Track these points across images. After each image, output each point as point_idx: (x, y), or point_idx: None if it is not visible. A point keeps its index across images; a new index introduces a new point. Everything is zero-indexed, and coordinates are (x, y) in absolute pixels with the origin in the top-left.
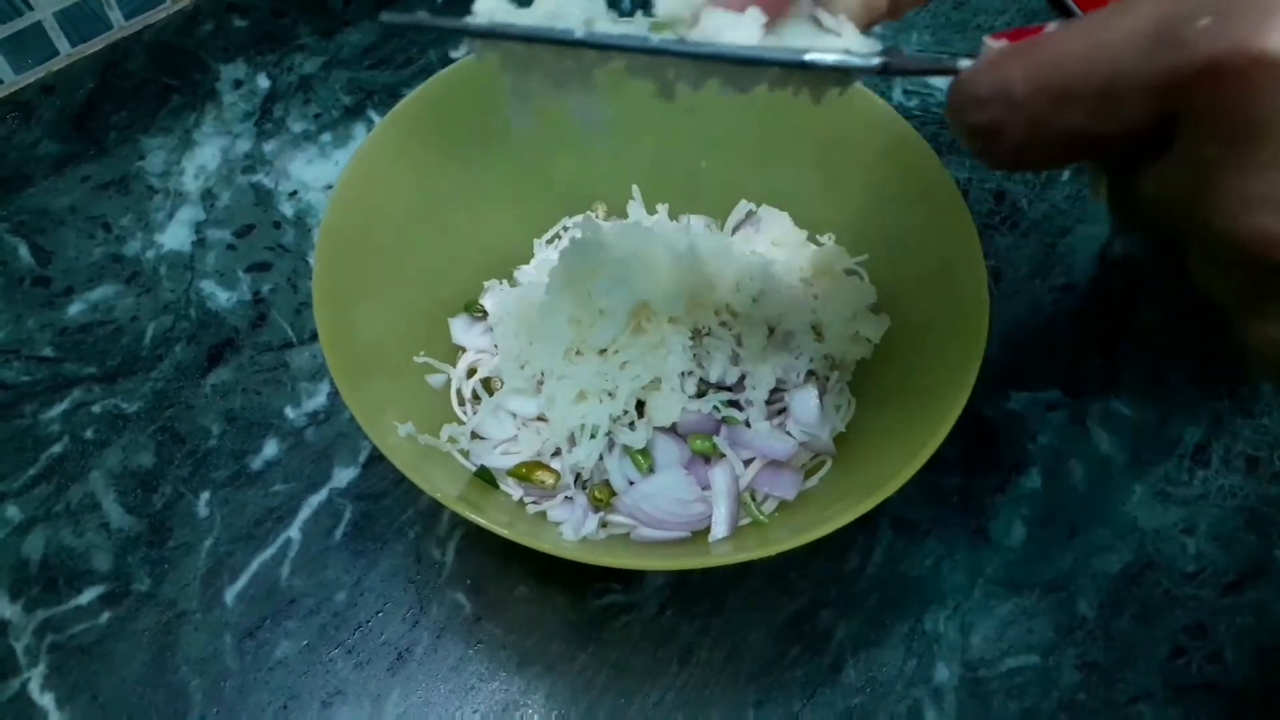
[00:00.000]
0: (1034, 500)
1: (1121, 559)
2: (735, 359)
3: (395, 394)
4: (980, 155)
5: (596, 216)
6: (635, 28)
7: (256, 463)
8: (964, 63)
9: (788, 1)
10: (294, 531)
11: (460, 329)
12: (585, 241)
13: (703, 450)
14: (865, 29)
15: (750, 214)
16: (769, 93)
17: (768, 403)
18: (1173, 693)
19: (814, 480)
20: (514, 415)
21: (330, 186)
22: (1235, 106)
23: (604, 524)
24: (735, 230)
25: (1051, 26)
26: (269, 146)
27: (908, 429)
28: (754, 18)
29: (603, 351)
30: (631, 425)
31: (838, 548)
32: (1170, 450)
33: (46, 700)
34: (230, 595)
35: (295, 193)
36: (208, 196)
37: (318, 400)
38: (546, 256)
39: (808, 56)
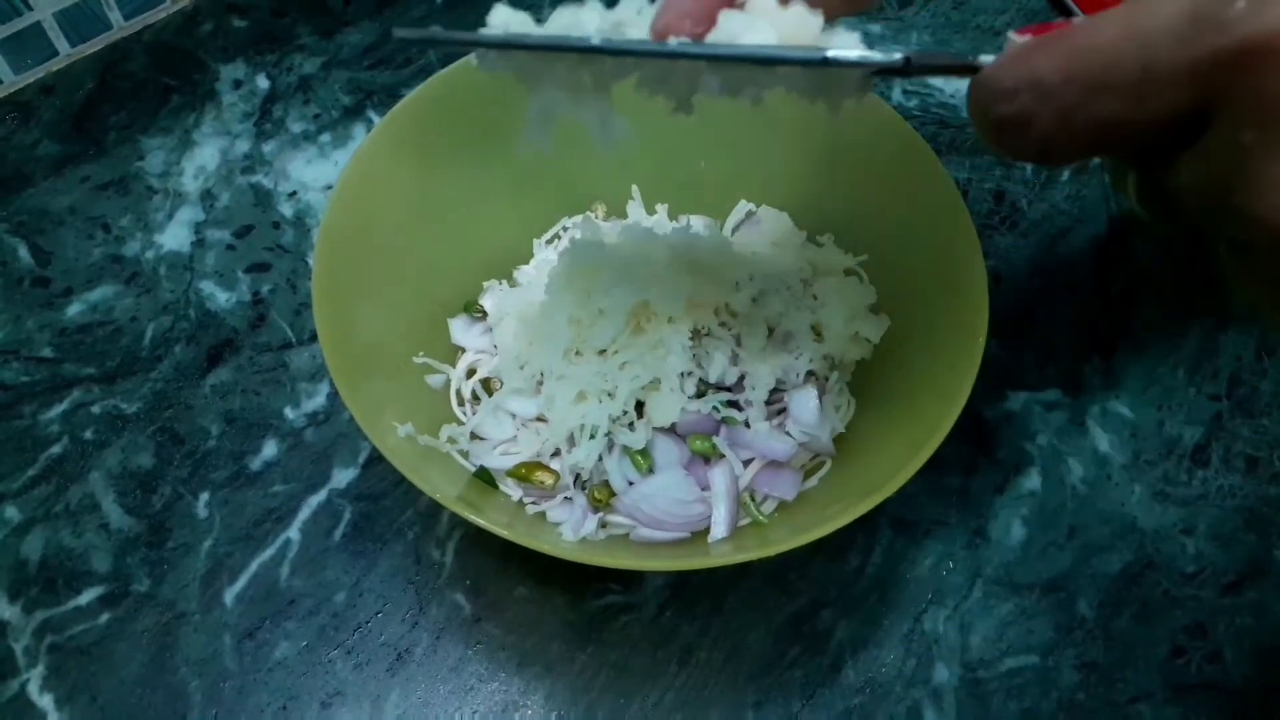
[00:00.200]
0: (1033, 500)
1: (1121, 559)
2: (735, 359)
3: (394, 394)
4: (1005, 150)
5: (596, 216)
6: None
7: (256, 463)
8: (986, 59)
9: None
10: (293, 532)
11: (460, 329)
12: (585, 242)
13: (702, 451)
14: (830, 20)
15: (750, 214)
16: (787, 101)
17: (767, 403)
18: (1172, 693)
19: (813, 481)
20: (513, 416)
21: (330, 187)
22: (1273, 89)
23: (603, 524)
24: (735, 230)
25: (1077, 22)
26: (268, 147)
27: (907, 429)
28: (768, 19)
29: (602, 352)
30: (631, 426)
31: (837, 548)
32: (1170, 450)
33: (45, 701)
34: (229, 596)
35: (295, 193)
36: (207, 197)
37: (317, 401)
38: (546, 257)
39: (830, 53)
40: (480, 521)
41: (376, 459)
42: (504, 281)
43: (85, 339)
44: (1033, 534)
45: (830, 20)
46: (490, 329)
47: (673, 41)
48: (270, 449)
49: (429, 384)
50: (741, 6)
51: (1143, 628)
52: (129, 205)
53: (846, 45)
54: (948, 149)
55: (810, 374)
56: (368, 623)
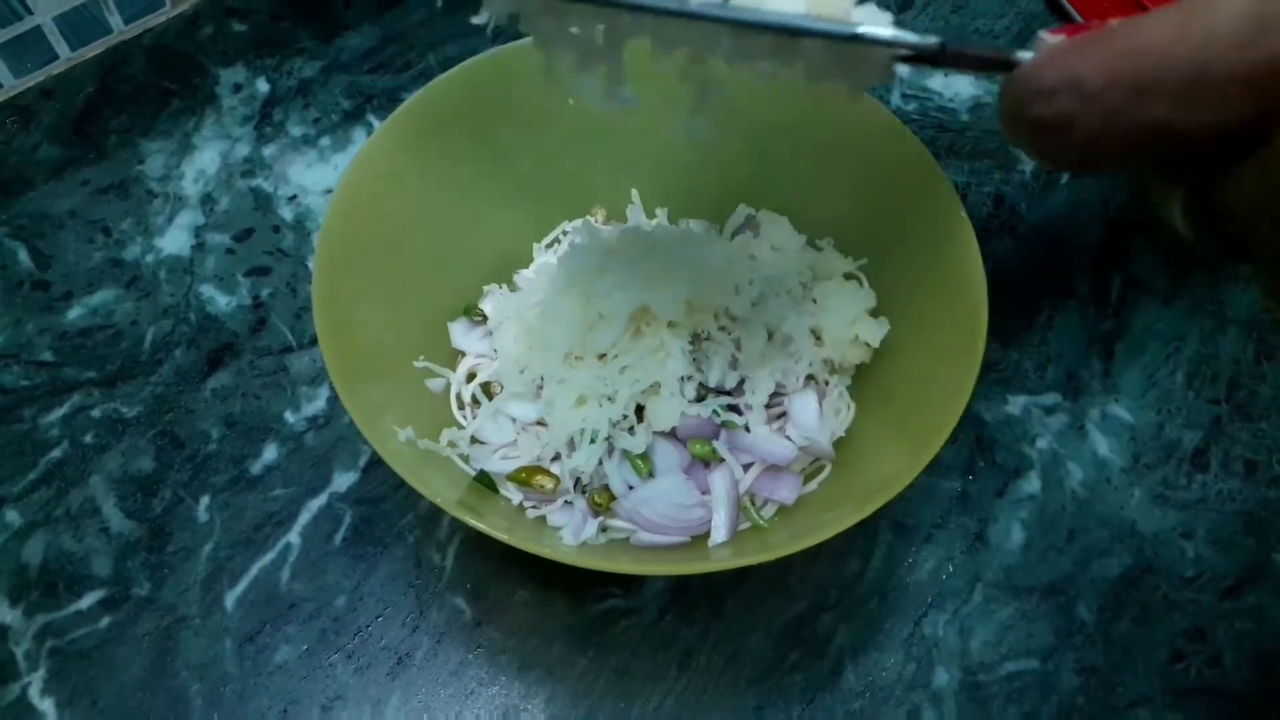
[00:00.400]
0: (1033, 504)
1: (1120, 563)
2: (734, 363)
3: (395, 398)
4: (1041, 154)
5: (596, 220)
6: None
7: (256, 467)
8: (1023, 54)
9: None
10: (294, 536)
11: (460, 333)
12: (584, 246)
13: (702, 455)
14: None
15: (750, 218)
16: (806, 85)
17: (767, 407)
18: (1172, 697)
19: (813, 485)
20: (514, 420)
21: (330, 191)
22: None
23: (604, 528)
24: (734, 234)
25: (1114, 23)
26: (268, 151)
27: (907, 433)
28: None
29: (602, 356)
30: (631, 430)
31: (837, 552)
32: (1169, 454)
33: (46, 705)
34: (230, 600)
35: (294, 197)
36: (207, 201)
37: (317, 405)
38: (546, 260)
39: (862, 29)
40: (480, 526)
41: (377, 463)
42: (504, 285)
43: (85, 343)
44: (1032, 538)
45: None
46: (490, 333)
47: (695, 1)
48: (270, 453)
49: (429, 388)
50: None
51: (1142, 632)
52: (129, 209)
53: (878, 23)
54: (946, 153)
55: (810, 378)
56: (368, 627)
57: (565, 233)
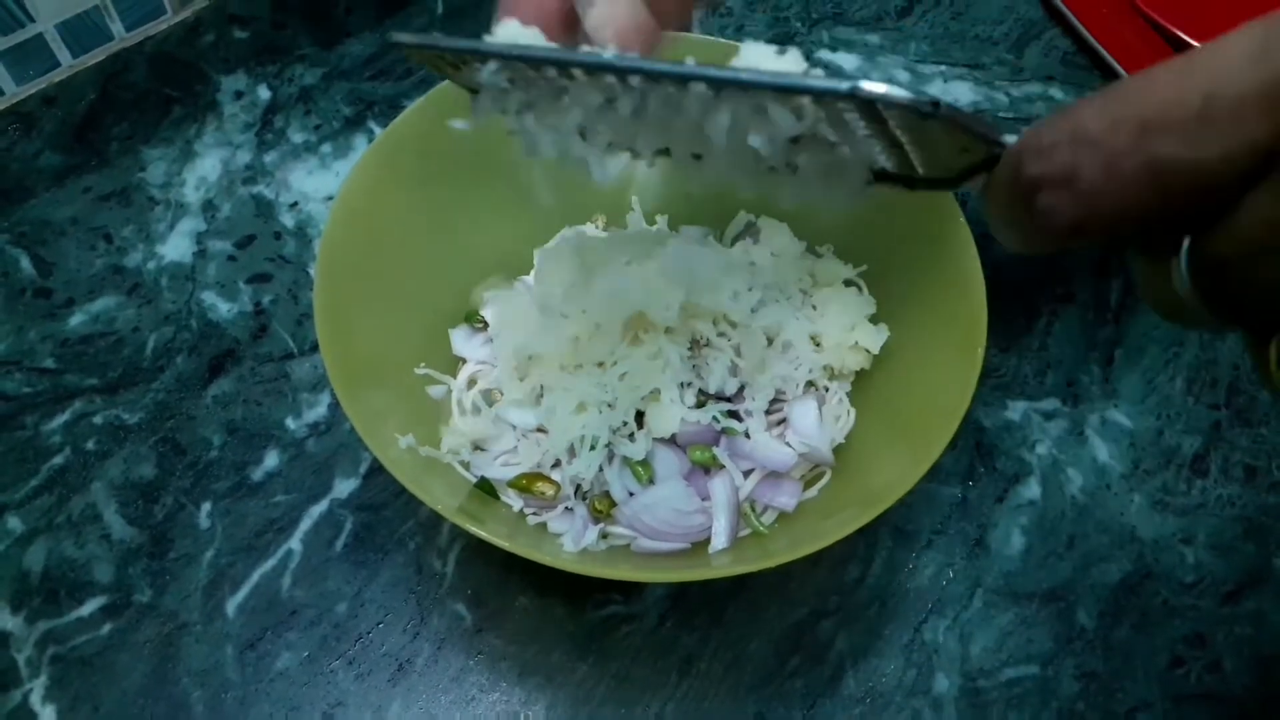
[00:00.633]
0: (1033, 510)
1: (1120, 569)
2: (734, 370)
3: (396, 405)
4: (1039, 220)
5: (596, 227)
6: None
7: (257, 474)
8: (1009, 139)
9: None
10: (295, 542)
11: (461, 340)
12: (580, 249)
13: (702, 461)
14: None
15: (750, 225)
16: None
17: (767, 413)
18: (1172, 703)
19: (813, 491)
20: (514, 427)
21: (331, 197)
22: None
23: (604, 535)
24: (734, 241)
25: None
26: (270, 157)
27: (907, 439)
28: (794, 57)
29: (601, 363)
30: (631, 436)
31: (837, 558)
32: (1169, 460)
33: (48, 712)
34: (231, 606)
35: (296, 204)
36: (209, 207)
37: (318, 411)
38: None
39: (861, 84)
40: (481, 533)
41: (378, 469)
42: (505, 291)
43: (87, 350)
44: (1032, 544)
45: (670, 26)
46: (491, 340)
47: (689, 63)
48: (272, 459)
49: (430, 395)
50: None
51: (1142, 637)
52: (131, 216)
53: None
54: None
55: (810, 384)
56: (369, 633)
57: (566, 239)
